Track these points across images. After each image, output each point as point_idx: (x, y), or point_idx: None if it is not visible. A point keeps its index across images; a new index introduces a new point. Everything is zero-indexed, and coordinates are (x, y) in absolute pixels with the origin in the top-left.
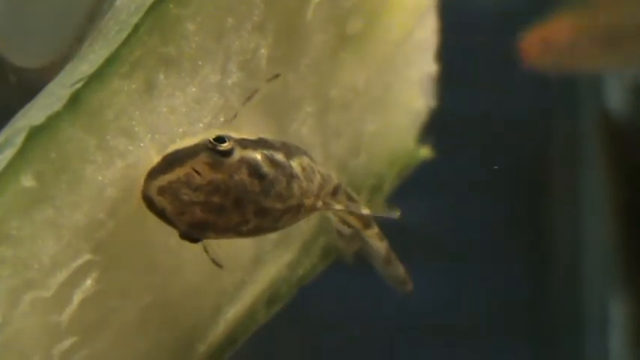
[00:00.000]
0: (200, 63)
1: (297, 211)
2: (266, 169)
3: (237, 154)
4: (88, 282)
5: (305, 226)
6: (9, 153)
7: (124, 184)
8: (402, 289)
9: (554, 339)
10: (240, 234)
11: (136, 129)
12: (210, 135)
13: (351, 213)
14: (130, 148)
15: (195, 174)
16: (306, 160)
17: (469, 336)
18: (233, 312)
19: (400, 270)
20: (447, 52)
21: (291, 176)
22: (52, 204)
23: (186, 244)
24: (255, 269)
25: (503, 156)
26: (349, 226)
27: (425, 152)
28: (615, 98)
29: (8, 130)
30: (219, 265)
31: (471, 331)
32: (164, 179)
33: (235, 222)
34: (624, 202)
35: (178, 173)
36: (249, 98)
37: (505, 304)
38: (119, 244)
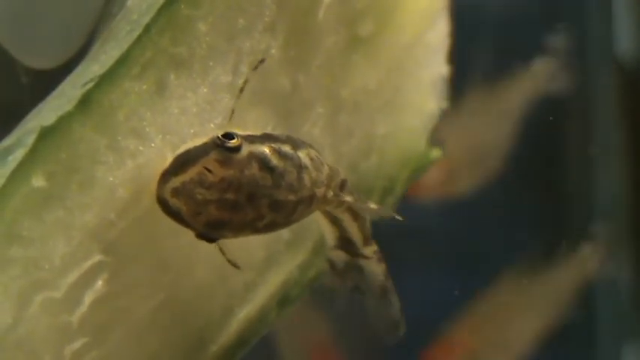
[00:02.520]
0: (211, 64)
1: (310, 202)
2: (275, 161)
3: (246, 149)
4: (99, 282)
5: (316, 228)
6: (20, 153)
7: (134, 185)
8: (393, 333)
9: (565, 340)
10: (257, 230)
11: (147, 129)
12: (218, 132)
13: (357, 210)
14: (141, 148)
15: (207, 172)
16: (312, 151)
17: None
18: (244, 313)
19: (395, 306)
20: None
21: (300, 167)
22: (62, 204)
23: (197, 244)
24: (267, 270)
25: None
26: (348, 243)
27: (436, 154)
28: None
29: (19, 130)
30: (236, 266)
31: None
32: (177, 180)
33: (251, 218)
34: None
35: (191, 173)
36: (241, 90)
37: None
38: (130, 245)
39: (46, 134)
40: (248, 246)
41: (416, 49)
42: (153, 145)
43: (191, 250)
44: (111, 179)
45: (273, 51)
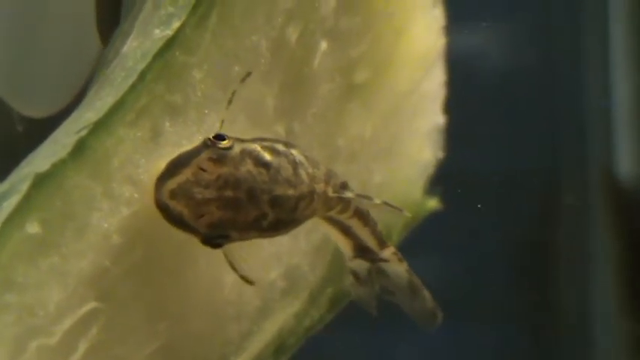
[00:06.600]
0: (206, 111)
1: (311, 198)
2: (269, 157)
3: (238, 147)
4: (94, 330)
5: (312, 277)
6: (14, 200)
7: (130, 232)
8: (432, 323)
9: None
10: (262, 230)
11: (142, 177)
12: (208, 135)
13: (362, 208)
14: (136, 195)
15: (202, 171)
16: (305, 153)
17: None
18: None
19: (427, 297)
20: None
21: (295, 163)
22: (57, 251)
23: (193, 291)
24: (262, 319)
25: (508, 214)
26: (365, 250)
27: (433, 204)
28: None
29: (14, 177)
30: (250, 282)
31: None
32: (174, 182)
33: (254, 216)
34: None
35: (186, 174)
36: (229, 102)
37: None
38: (125, 292)
39: (40, 181)
40: (243, 295)
41: (412, 98)
42: (148, 192)
43: (187, 298)
44: (106, 226)
45: (268, 99)
